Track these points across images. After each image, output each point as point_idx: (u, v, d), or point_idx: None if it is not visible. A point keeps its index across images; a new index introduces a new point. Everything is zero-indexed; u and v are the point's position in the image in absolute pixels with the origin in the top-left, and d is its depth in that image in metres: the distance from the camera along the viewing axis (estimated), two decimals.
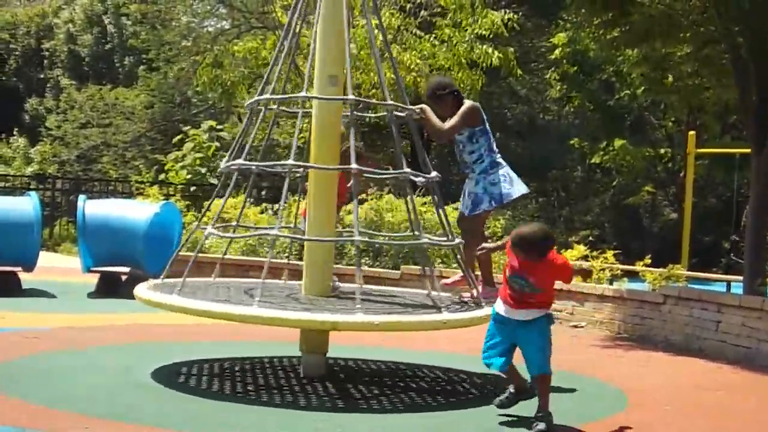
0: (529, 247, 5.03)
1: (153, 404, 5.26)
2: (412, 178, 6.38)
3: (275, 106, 6.69)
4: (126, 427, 4.74)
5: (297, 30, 6.48)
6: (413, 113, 6.51)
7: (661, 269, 11.94)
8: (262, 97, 6.37)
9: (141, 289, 6.11)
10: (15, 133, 29.31)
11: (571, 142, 25.71)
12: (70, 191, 22.26)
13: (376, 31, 6.96)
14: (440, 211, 6.55)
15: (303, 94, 6.29)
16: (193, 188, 20.38)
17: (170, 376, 6.15)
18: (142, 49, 29.75)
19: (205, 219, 7.22)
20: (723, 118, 20.46)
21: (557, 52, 19.34)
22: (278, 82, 6.72)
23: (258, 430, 4.81)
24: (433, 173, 6.43)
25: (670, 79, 11.39)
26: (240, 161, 6.17)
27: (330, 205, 6.32)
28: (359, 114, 7.51)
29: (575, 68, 21.99)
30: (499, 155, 6.60)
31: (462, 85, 15.51)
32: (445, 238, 6.50)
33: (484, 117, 6.62)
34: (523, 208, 25.63)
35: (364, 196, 13.61)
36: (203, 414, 5.09)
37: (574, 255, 12.11)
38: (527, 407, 5.29)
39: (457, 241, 6.40)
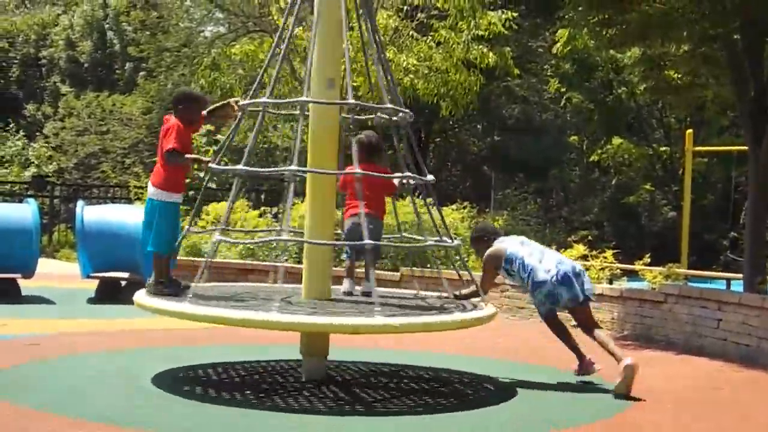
0: None
1: (150, 409, 5.25)
2: (411, 180, 6.41)
3: (277, 110, 6.68)
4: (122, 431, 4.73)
5: (294, 32, 6.48)
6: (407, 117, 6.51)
7: (660, 268, 11.92)
8: (259, 100, 6.38)
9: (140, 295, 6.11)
10: (16, 132, 28.99)
11: (571, 138, 25.70)
12: (69, 198, 22.22)
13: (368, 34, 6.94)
14: (439, 212, 6.59)
15: (304, 98, 6.24)
16: (191, 192, 20.36)
17: (170, 380, 6.13)
18: (142, 57, 29.71)
19: (202, 223, 7.24)
20: (724, 116, 20.42)
21: (559, 45, 19.26)
22: (276, 84, 6.74)
23: None
24: (429, 176, 6.47)
25: (674, 74, 11.35)
26: (213, 165, 6.45)
27: (328, 208, 6.31)
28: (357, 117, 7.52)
29: (574, 67, 21.94)
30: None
31: (460, 87, 15.49)
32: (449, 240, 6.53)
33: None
34: (522, 209, 25.64)
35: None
36: (202, 419, 5.07)
37: (573, 255, 12.10)
38: (534, 411, 5.25)
39: (456, 242, 6.44)
